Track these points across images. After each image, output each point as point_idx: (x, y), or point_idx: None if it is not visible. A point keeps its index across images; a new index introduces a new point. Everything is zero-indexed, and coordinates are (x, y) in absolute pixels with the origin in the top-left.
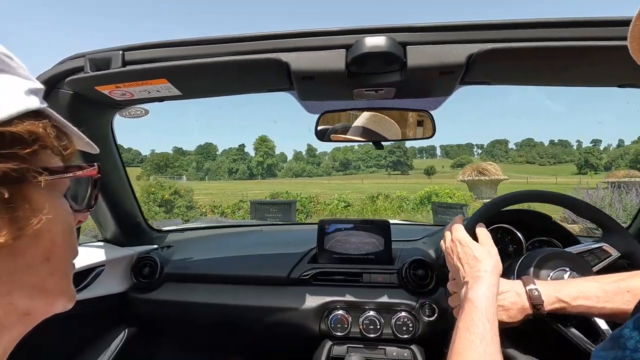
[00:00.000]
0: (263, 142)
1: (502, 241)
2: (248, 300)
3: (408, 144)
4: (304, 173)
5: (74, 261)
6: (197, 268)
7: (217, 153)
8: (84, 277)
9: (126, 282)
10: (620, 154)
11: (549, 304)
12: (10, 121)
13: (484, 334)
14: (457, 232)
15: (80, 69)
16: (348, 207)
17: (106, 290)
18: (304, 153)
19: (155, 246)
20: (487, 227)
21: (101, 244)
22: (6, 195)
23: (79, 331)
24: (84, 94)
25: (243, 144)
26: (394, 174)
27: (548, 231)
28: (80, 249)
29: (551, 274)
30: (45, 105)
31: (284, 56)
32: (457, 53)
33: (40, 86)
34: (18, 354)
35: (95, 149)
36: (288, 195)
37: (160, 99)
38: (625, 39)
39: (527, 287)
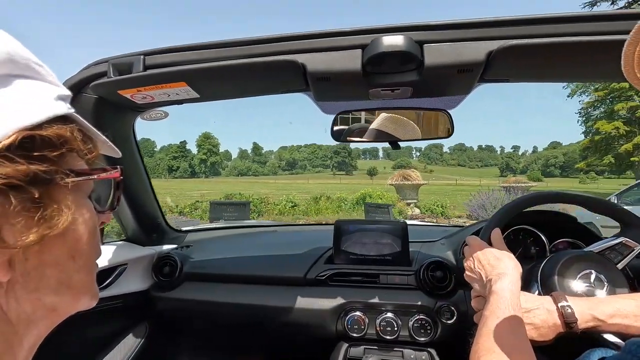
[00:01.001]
0: (207, 139)
1: (524, 243)
2: (265, 300)
3: (352, 145)
4: (249, 172)
5: (97, 261)
6: (215, 267)
7: (155, 149)
8: (107, 275)
9: (148, 280)
10: (534, 159)
11: (583, 322)
12: (40, 125)
13: (511, 319)
14: (474, 241)
15: (103, 74)
16: (295, 207)
17: (129, 288)
18: (249, 151)
19: (175, 246)
20: (508, 229)
21: (123, 243)
22: (36, 195)
23: (102, 327)
24: (107, 98)
25: (185, 141)
26: (338, 174)
27: (572, 232)
28: (103, 248)
29: (577, 277)
30: (72, 110)
31: (299, 57)
32: (476, 50)
33: (68, 92)
34: (46, 347)
35: (117, 153)
36: (241, 197)
37: (179, 102)
38: None
39: (559, 304)
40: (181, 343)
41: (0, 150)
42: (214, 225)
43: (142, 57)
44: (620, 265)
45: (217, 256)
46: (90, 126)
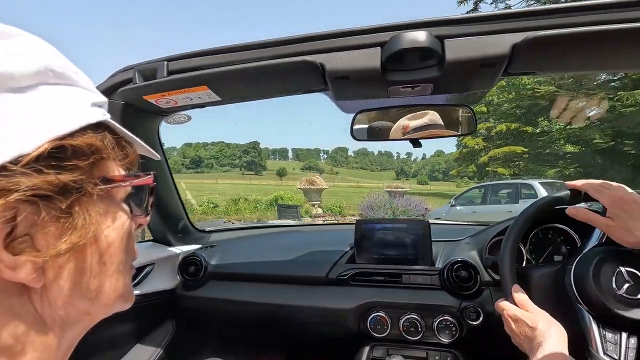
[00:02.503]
0: None
1: (553, 242)
2: (287, 299)
3: (262, 144)
4: None
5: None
6: (238, 267)
7: None
8: (136, 274)
9: (174, 279)
10: (423, 164)
11: None
12: (72, 134)
13: None
14: (506, 310)
15: (129, 80)
16: (216, 208)
17: (156, 287)
18: None
19: (199, 246)
20: (536, 228)
21: (151, 243)
22: (65, 205)
23: (132, 324)
24: (133, 103)
25: None
26: (247, 174)
27: None
28: None
29: (614, 278)
30: (108, 117)
31: (318, 57)
32: (500, 43)
33: (104, 99)
34: (79, 344)
35: (156, 156)
36: None
37: (202, 105)
38: None
39: None
40: (206, 340)
41: (29, 162)
42: (237, 225)
43: (165, 62)
44: None
45: (240, 256)
46: (127, 131)
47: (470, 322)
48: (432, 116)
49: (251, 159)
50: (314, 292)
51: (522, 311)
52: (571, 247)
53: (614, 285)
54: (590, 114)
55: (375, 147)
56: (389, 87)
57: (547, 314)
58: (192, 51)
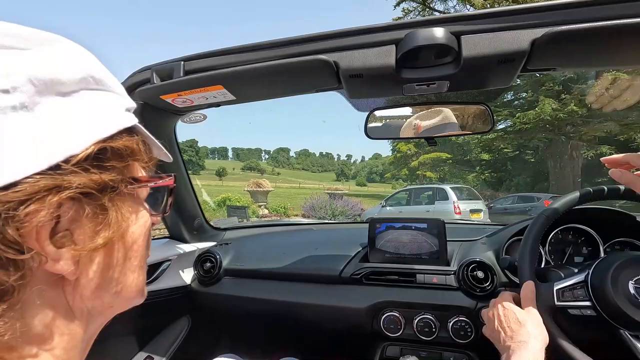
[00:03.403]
0: None
1: (574, 243)
2: (300, 297)
3: (200, 143)
4: None
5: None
6: (252, 264)
7: None
8: (153, 270)
9: (190, 275)
10: (362, 166)
11: None
12: (112, 137)
13: None
14: (502, 297)
15: (147, 81)
16: None
17: (172, 283)
18: None
19: (215, 243)
20: (557, 228)
21: (167, 240)
22: (106, 203)
23: (149, 319)
24: (151, 103)
25: None
26: None
27: (632, 232)
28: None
29: (632, 282)
30: (136, 121)
31: (332, 56)
32: (519, 39)
33: (133, 104)
34: (99, 338)
35: (169, 158)
36: None
37: (217, 105)
38: None
39: None
40: (221, 336)
41: (78, 161)
42: (251, 223)
43: (182, 63)
44: None
45: (254, 253)
46: (149, 134)
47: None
48: (444, 115)
49: (188, 157)
50: (327, 290)
51: (515, 306)
52: (593, 249)
53: (632, 291)
54: (499, 126)
55: (316, 148)
56: (404, 84)
57: (540, 319)
58: (207, 51)
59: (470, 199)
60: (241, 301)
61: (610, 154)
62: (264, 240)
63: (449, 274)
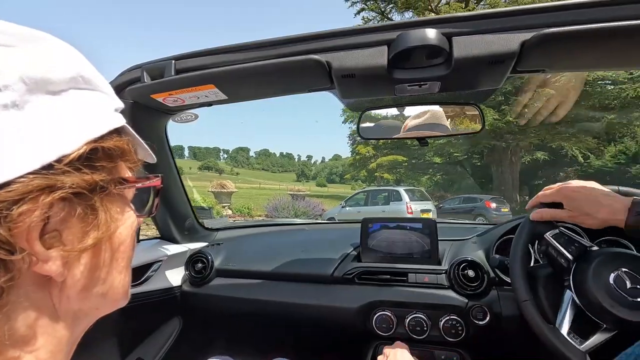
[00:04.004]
0: None
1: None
2: (292, 297)
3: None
4: None
5: (134, 258)
6: (244, 264)
7: None
8: (144, 271)
9: (181, 276)
10: (322, 167)
11: None
12: (102, 137)
13: None
14: (395, 349)
15: (137, 79)
16: None
17: (163, 284)
18: None
19: (206, 243)
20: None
21: (158, 241)
22: (95, 203)
23: (139, 321)
24: (141, 102)
25: None
26: None
27: (617, 230)
28: (140, 245)
29: (613, 279)
30: (125, 122)
31: (324, 56)
32: (509, 41)
33: (122, 104)
34: (86, 340)
35: (154, 159)
36: None
37: (209, 104)
38: None
39: None
40: (213, 337)
41: (71, 161)
42: (243, 223)
43: (173, 61)
44: None
45: (246, 253)
46: (136, 135)
47: (477, 322)
48: (436, 116)
49: None
50: (320, 290)
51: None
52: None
53: (613, 286)
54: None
55: (277, 148)
56: (396, 85)
57: None
58: (199, 50)
59: (421, 200)
60: (233, 302)
61: (545, 159)
62: (256, 241)
63: (441, 273)
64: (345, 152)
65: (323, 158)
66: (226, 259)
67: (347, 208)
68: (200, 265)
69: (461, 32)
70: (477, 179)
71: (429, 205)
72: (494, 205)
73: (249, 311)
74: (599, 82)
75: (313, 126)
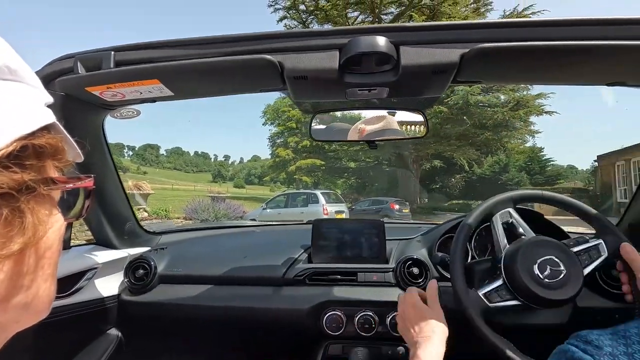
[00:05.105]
0: None
1: (494, 239)
2: (242, 301)
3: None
4: None
5: (65, 266)
6: (190, 269)
7: None
8: (75, 280)
9: (119, 284)
10: (240, 168)
11: None
12: (33, 134)
13: None
14: (411, 296)
15: (70, 70)
16: None
17: (98, 294)
18: None
19: (149, 248)
20: (480, 227)
21: (92, 246)
22: (23, 205)
23: (70, 336)
24: (74, 94)
25: None
26: None
27: (544, 227)
28: (71, 252)
29: (539, 261)
30: (55, 118)
31: (277, 57)
32: (450, 53)
33: (52, 99)
34: (12, 356)
35: (81, 158)
36: None
37: (152, 100)
38: (613, 38)
39: None
40: (156, 349)
41: (0, 159)
42: (188, 226)
43: (112, 53)
44: (586, 271)
45: (193, 258)
46: (65, 132)
47: None
48: (387, 122)
49: None
50: (271, 293)
51: (420, 303)
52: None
53: (536, 272)
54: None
55: (191, 147)
56: (347, 89)
57: (442, 313)
58: (143, 42)
59: (336, 202)
60: (179, 309)
61: (441, 166)
62: (204, 244)
63: (388, 272)
64: (265, 153)
65: (241, 159)
66: (171, 264)
67: (268, 210)
68: (141, 271)
69: (408, 41)
70: (386, 183)
71: (342, 207)
72: (397, 206)
73: (196, 318)
74: (480, 104)
75: (233, 126)
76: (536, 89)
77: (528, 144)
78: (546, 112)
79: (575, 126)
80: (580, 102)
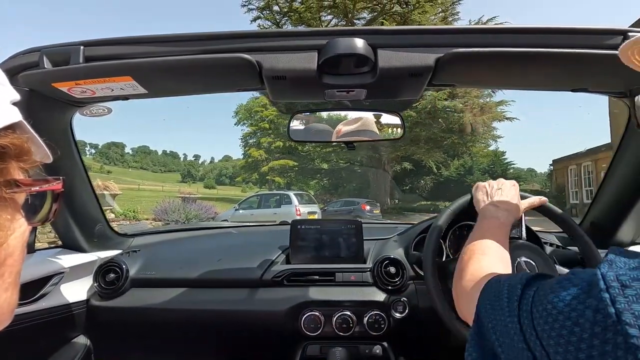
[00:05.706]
0: None
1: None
2: (219, 304)
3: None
4: None
5: (30, 269)
6: (165, 272)
7: None
8: (41, 285)
9: (88, 289)
10: (211, 168)
11: None
12: None
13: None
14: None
15: (35, 64)
16: None
17: (66, 299)
18: None
19: (120, 251)
20: (455, 226)
21: (59, 250)
22: None
23: (36, 342)
24: (40, 90)
25: None
26: None
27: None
28: (36, 255)
29: (515, 268)
30: (21, 117)
31: (255, 56)
32: (426, 56)
33: (18, 96)
34: None
35: (50, 159)
36: None
37: (125, 97)
38: (578, 47)
39: None
40: (130, 354)
41: None
42: (163, 228)
43: (81, 47)
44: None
45: (167, 260)
46: (33, 132)
47: (397, 315)
48: (363, 123)
49: None
50: (248, 295)
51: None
52: None
53: (514, 269)
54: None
55: (159, 146)
56: (325, 90)
57: (518, 196)
58: (115, 37)
59: (309, 203)
60: (153, 313)
61: (410, 169)
62: (179, 246)
63: (365, 271)
64: (237, 153)
65: (212, 158)
66: (144, 267)
67: (241, 211)
68: (112, 275)
69: (386, 44)
70: (358, 184)
71: (315, 207)
72: (368, 207)
73: (171, 322)
74: (447, 109)
75: (203, 125)
76: (499, 95)
77: (491, 148)
78: (507, 118)
79: (535, 131)
80: (545, 109)
